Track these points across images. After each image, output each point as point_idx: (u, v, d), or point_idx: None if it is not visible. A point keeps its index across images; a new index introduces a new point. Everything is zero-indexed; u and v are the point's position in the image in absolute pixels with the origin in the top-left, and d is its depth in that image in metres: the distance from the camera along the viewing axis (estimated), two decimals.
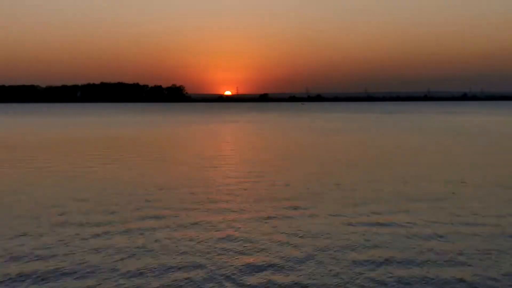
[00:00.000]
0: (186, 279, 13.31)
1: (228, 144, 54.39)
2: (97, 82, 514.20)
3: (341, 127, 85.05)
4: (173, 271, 13.81)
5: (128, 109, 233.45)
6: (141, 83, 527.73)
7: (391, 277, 13.46)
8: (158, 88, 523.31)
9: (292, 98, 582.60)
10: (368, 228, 17.89)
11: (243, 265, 14.30)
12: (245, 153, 43.99)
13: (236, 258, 14.79)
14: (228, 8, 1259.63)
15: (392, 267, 14.16)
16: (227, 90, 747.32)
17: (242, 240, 16.64)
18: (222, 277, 13.39)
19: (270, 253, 15.20)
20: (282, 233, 17.37)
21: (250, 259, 14.73)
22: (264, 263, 14.50)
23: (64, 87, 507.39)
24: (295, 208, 21.14)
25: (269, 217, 19.56)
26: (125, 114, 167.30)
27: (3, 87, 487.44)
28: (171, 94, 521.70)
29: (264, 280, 13.25)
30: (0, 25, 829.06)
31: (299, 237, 16.96)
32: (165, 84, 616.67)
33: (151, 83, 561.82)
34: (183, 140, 58.19)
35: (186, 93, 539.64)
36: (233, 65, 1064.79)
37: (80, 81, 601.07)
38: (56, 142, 54.78)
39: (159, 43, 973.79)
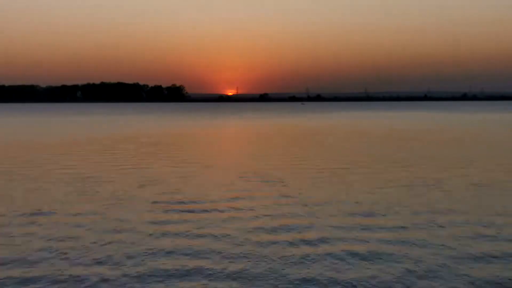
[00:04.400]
0: None
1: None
2: (97, 82, 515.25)
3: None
4: None
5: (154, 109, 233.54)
6: (141, 83, 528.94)
7: None
8: (158, 88, 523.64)
9: (292, 98, 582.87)
10: None
11: None
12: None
13: None
14: (228, 8, 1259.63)
15: None
16: (230, 90, 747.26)
17: None
18: None
19: None
20: None
21: None
22: None
23: (64, 87, 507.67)
24: None
25: None
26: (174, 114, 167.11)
27: (3, 87, 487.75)
28: (171, 94, 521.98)
29: None
30: (0, 25, 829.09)
31: None
32: (165, 84, 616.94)
33: (151, 83, 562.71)
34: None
35: (186, 93, 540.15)
36: (233, 65, 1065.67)
37: (80, 81, 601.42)
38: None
39: (159, 43, 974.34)
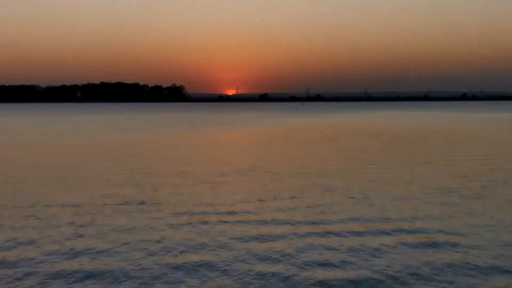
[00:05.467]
0: None
1: None
2: (97, 82, 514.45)
3: None
4: None
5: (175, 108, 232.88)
6: (141, 83, 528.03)
7: None
8: (158, 88, 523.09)
9: (292, 98, 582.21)
10: None
11: None
12: None
13: None
14: (228, 8, 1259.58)
15: None
16: (230, 90, 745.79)
17: None
18: None
19: None
20: None
21: None
22: None
23: (64, 87, 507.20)
24: None
25: None
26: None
27: (3, 87, 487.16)
28: (171, 94, 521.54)
29: None
30: (0, 24, 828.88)
31: None
32: (165, 84, 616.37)
33: (151, 83, 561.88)
34: None
35: (186, 93, 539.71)
36: (233, 65, 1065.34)
37: (80, 81, 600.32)
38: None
39: (159, 43, 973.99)
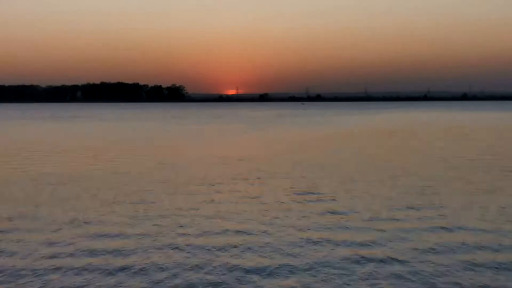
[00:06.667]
0: None
1: None
2: (97, 82, 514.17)
3: None
4: None
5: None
6: (141, 83, 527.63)
7: None
8: (158, 88, 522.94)
9: (292, 98, 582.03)
10: None
11: None
12: None
13: None
14: (228, 8, 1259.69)
15: None
16: (230, 90, 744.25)
17: None
18: None
19: None
20: None
21: None
22: None
23: (64, 87, 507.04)
24: None
25: None
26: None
27: (3, 87, 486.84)
28: (171, 94, 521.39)
29: None
30: (0, 24, 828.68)
31: None
32: (165, 84, 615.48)
33: (151, 83, 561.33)
34: None
35: (186, 93, 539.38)
36: (233, 65, 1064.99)
37: (80, 81, 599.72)
38: None
39: (159, 43, 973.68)
